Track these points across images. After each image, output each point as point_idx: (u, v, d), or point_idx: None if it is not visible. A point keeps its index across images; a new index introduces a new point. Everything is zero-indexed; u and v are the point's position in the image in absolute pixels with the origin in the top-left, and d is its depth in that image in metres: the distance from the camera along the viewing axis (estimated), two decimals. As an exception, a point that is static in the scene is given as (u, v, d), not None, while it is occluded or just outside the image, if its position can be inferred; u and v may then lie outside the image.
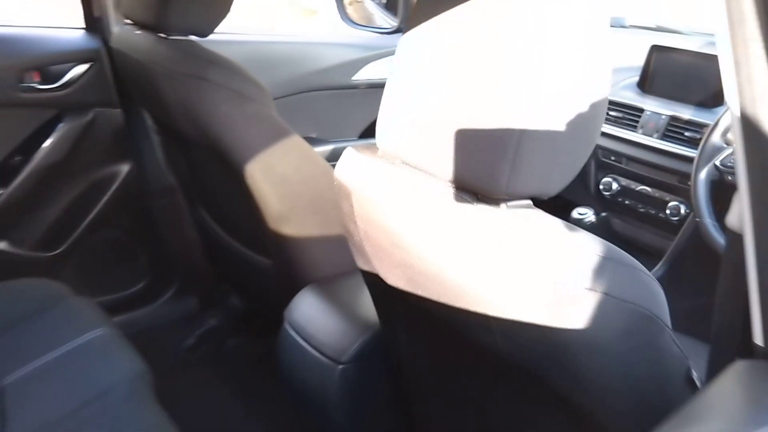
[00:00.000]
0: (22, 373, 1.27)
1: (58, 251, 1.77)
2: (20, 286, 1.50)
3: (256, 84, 1.30)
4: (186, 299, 1.96)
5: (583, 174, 1.89)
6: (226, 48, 1.51)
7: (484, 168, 0.69)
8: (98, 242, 1.83)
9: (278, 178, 1.30)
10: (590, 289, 0.64)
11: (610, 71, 0.70)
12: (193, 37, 1.44)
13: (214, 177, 1.48)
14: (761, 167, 0.51)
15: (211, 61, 1.31)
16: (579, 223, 1.59)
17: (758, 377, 0.53)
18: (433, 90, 0.74)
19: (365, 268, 0.99)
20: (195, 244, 1.86)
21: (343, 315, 1.24)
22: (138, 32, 1.49)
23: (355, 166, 0.87)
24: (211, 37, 1.56)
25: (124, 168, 1.80)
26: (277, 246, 1.38)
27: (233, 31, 2.00)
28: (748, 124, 0.51)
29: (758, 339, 0.55)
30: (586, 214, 1.61)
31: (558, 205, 1.72)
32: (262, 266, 1.50)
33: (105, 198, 1.80)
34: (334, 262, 1.33)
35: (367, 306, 1.17)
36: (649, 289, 0.67)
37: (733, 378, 0.55)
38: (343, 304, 1.25)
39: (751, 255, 0.55)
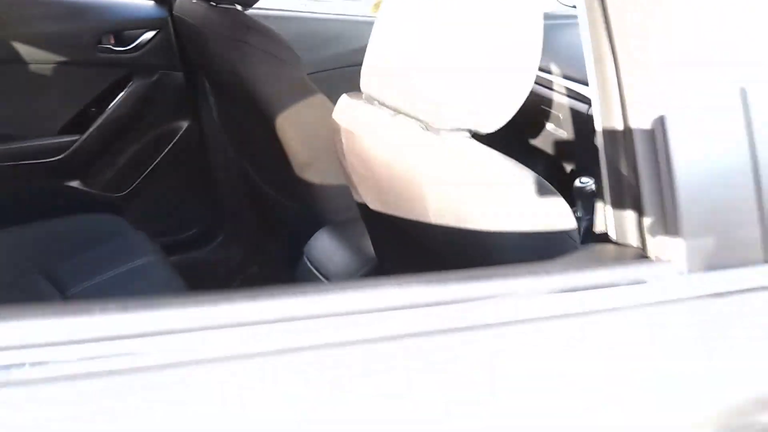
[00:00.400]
0: (83, 286, 1.51)
1: (122, 194, 2.03)
2: (89, 219, 1.76)
3: (288, 48, 1.51)
4: (231, 246, 2.19)
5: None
6: (279, 23, 1.72)
7: (430, 104, 0.87)
8: (158, 189, 2.08)
9: (303, 130, 1.50)
10: (503, 203, 0.82)
11: (541, 27, 0.86)
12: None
13: (254, 131, 1.70)
14: (606, 106, 0.68)
15: (251, 27, 1.53)
16: (581, 191, 1.73)
17: (595, 252, 0.70)
18: (400, 44, 0.93)
19: (357, 198, 1.19)
20: (241, 196, 2.09)
21: (350, 250, 1.44)
22: (194, 1, 1.72)
23: (344, 108, 1.07)
24: (265, 12, 1.76)
25: (183, 124, 2.04)
26: (302, 191, 1.58)
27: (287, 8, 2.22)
28: (599, 77, 0.69)
29: (611, 231, 0.72)
30: (588, 182, 1.74)
31: (568, 175, 1.87)
32: (291, 210, 1.71)
33: (166, 150, 2.04)
34: (348, 207, 1.53)
35: (369, 244, 1.37)
36: (555, 205, 0.84)
37: (578, 254, 0.72)
38: (351, 242, 1.46)
39: (603, 165, 0.72)
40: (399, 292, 0.59)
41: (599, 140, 0.73)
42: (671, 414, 0.62)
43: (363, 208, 1.18)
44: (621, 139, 0.68)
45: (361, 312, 0.57)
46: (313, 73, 1.78)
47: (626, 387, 0.61)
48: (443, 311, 0.59)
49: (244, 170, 1.96)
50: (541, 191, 0.84)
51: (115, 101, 1.94)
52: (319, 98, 1.51)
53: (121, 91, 1.94)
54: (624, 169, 0.68)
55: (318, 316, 0.55)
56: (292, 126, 1.51)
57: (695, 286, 0.63)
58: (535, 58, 0.87)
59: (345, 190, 1.56)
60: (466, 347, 0.59)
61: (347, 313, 0.56)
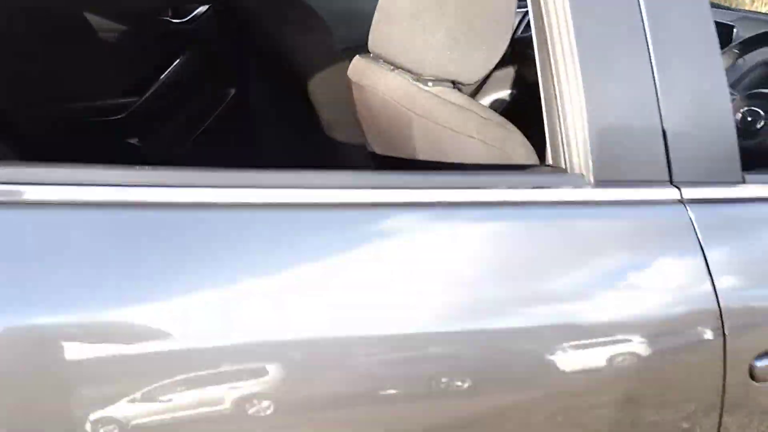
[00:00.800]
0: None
1: (174, 152, 2.26)
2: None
3: (320, 20, 1.71)
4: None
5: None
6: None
7: (418, 57, 1.05)
8: (206, 149, 2.30)
9: (330, 93, 1.70)
10: (469, 137, 1.00)
11: None
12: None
13: (291, 95, 1.90)
14: (546, 79, 0.86)
15: (291, 2, 1.72)
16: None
17: (535, 170, 0.88)
18: (397, 6, 1.11)
19: (369, 148, 1.38)
20: (280, 154, 2.30)
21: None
22: (240, -23, 1.93)
23: (356, 66, 1.26)
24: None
25: (231, 91, 2.26)
26: (330, 150, 1.78)
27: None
28: (542, 67, 0.87)
29: (549, 159, 0.89)
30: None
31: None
32: (321, 167, 1.91)
33: (214, 114, 2.27)
34: (369, 164, 1.72)
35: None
36: (515, 141, 1.01)
37: (523, 171, 0.90)
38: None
39: (545, 117, 0.89)
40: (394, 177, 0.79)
41: (543, 102, 0.90)
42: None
43: (373, 156, 1.37)
44: (553, 97, 0.86)
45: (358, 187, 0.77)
46: (346, 49, 1.97)
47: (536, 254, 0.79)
48: (425, 193, 0.78)
49: (282, 131, 2.17)
50: (508, 132, 1.01)
51: (171, 68, 2.16)
52: (345, 64, 1.70)
53: (177, 59, 2.16)
54: (555, 117, 0.86)
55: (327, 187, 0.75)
56: (321, 90, 1.70)
57: (598, 194, 0.81)
58: (510, 18, 1.04)
59: (365, 149, 1.76)
60: (434, 221, 0.77)
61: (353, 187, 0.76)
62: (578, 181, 0.81)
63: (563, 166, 0.86)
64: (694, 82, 0.85)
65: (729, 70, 1.79)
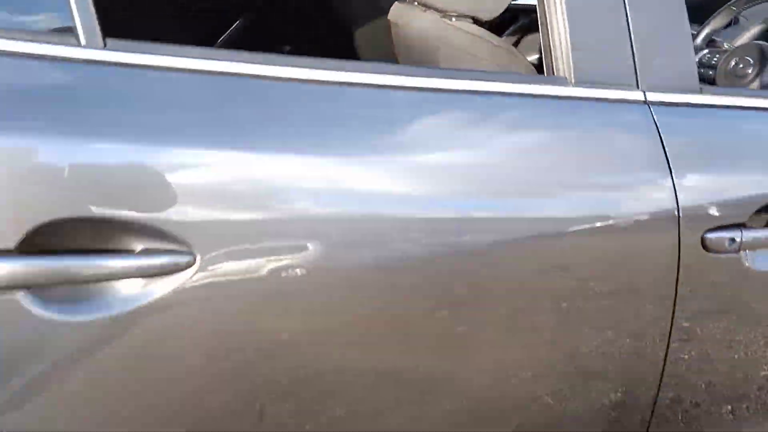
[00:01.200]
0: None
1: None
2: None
3: None
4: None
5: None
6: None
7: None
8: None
9: (373, 41, 1.95)
10: (483, 59, 1.24)
11: None
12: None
13: (337, 49, 2.15)
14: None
15: None
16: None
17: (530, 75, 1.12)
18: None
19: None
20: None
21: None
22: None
23: (395, 10, 1.51)
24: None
25: (286, 48, 2.51)
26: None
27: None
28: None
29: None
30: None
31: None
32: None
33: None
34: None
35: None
36: (521, 63, 1.24)
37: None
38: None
39: (541, 38, 1.12)
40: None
41: (539, 25, 1.11)
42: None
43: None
44: (544, 17, 1.08)
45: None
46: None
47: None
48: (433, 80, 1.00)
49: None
50: (516, 57, 1.25)
51: (231, 28, 2.42)
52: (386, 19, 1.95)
53: (237, 20, 2.42)
54: (547, 35, 1.09)
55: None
56: (365, 39, 1.96)
57: (577, 91, 1.04)
58: None
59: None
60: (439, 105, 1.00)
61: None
62: (562, 82, 1.04)
63: (552, 74, 1.09)
64: (660, 8, 1.08)
65: (731, 28, 1.98)
